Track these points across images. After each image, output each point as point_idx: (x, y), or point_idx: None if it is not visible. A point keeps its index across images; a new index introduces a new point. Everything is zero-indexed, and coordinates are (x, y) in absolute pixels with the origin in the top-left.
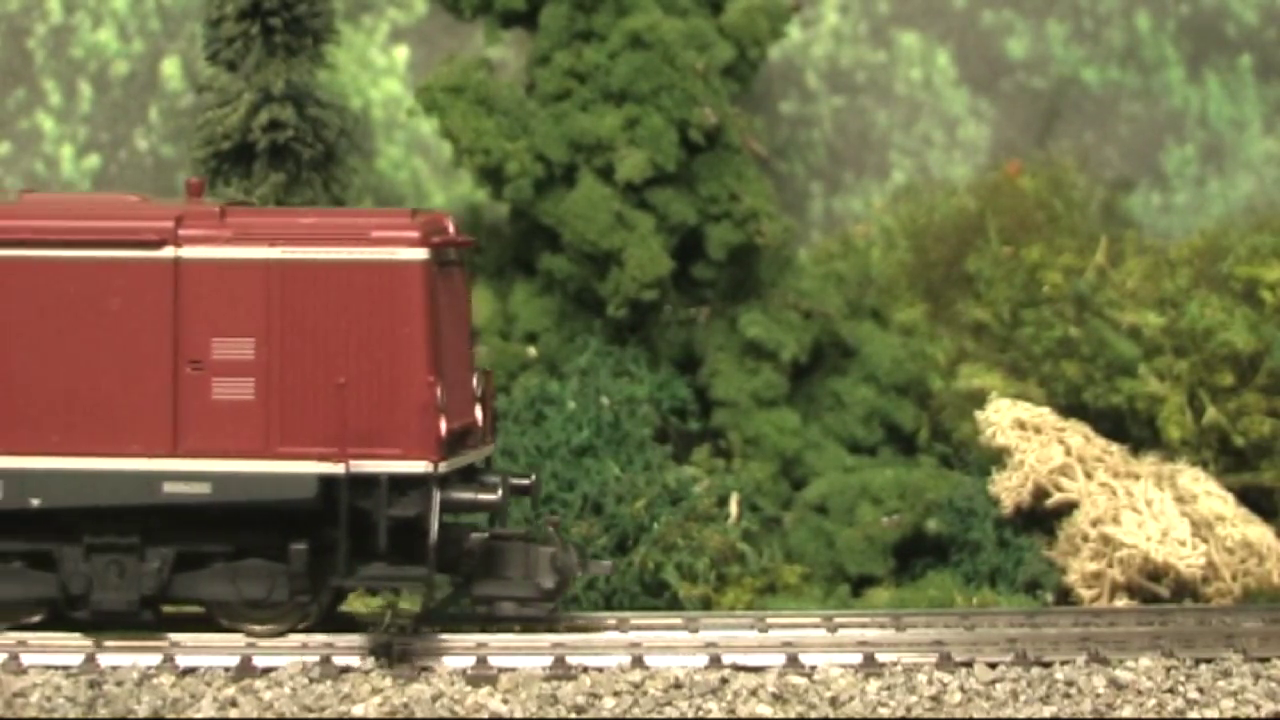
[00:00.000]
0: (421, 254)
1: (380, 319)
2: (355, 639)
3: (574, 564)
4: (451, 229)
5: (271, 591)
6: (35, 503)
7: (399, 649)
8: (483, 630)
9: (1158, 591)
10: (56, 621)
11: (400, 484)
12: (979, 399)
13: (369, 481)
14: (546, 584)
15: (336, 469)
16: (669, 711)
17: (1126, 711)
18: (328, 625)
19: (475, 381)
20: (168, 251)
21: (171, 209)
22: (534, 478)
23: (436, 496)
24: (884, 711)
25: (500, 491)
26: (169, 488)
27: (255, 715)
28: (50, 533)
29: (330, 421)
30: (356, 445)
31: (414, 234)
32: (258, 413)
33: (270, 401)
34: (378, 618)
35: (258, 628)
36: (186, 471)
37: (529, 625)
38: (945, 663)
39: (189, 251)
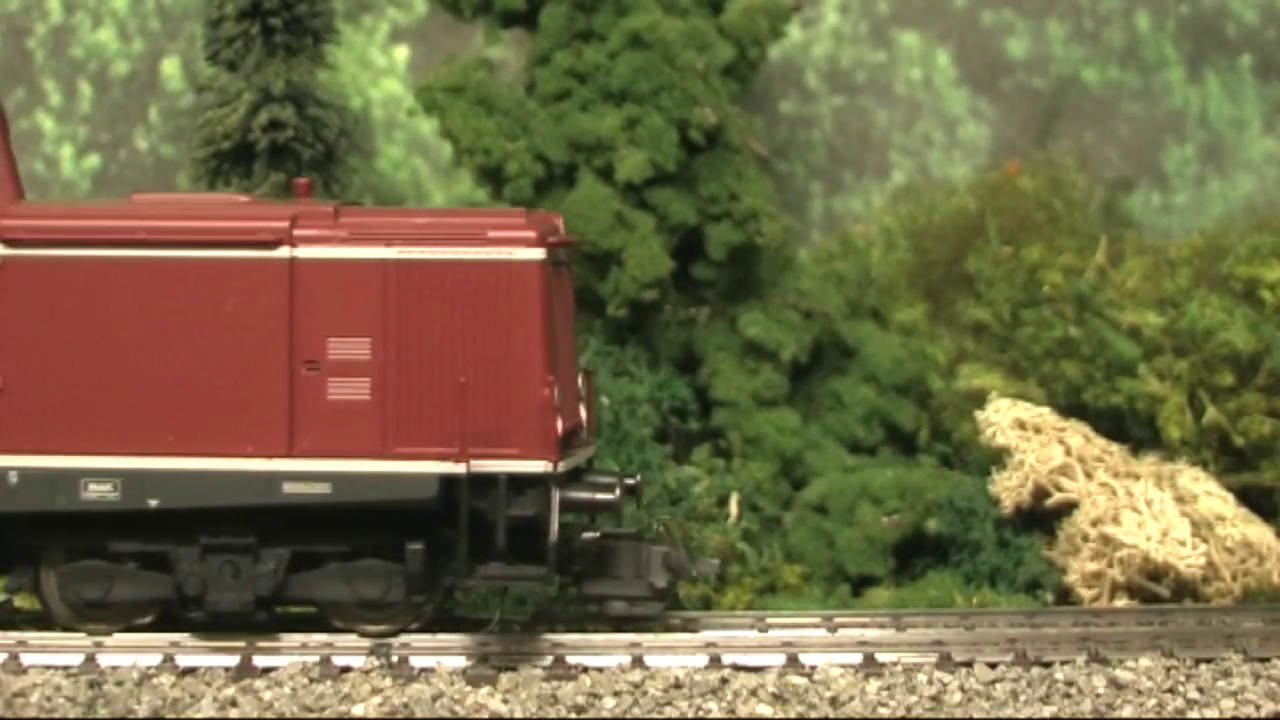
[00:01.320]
0: (538, 254)
1: (497, 318)
2: (355, 639)
3: (688, 563)
4: (561, 229)
5: (387, 592)
6: (153, 503)
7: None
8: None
9: (1158, 591)
10: (165, 622)
11: (517, 483)
12: (979, 399)
13: (486, 481)
14: (659, 583)
15: (458, 469)
16: (669, 711)
17: (1126, 711)
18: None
19: (580, 381)
20: (283, 252)
21: (285, 209)
22: (639, 477)
23: (556, 496)
24: (884, 711)
25: (618, 491)
26: (289, 488)
27: (255, 715)
28: (164, 533)
29: (449, 421)
30: (476, 445)
31: (531, 234)
32: (373, 413)
33: (386, 401)
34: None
35: (371, 628)
36: (306, 472)
37: (528, 626)
38: (945, 663)
39: (304, 251)
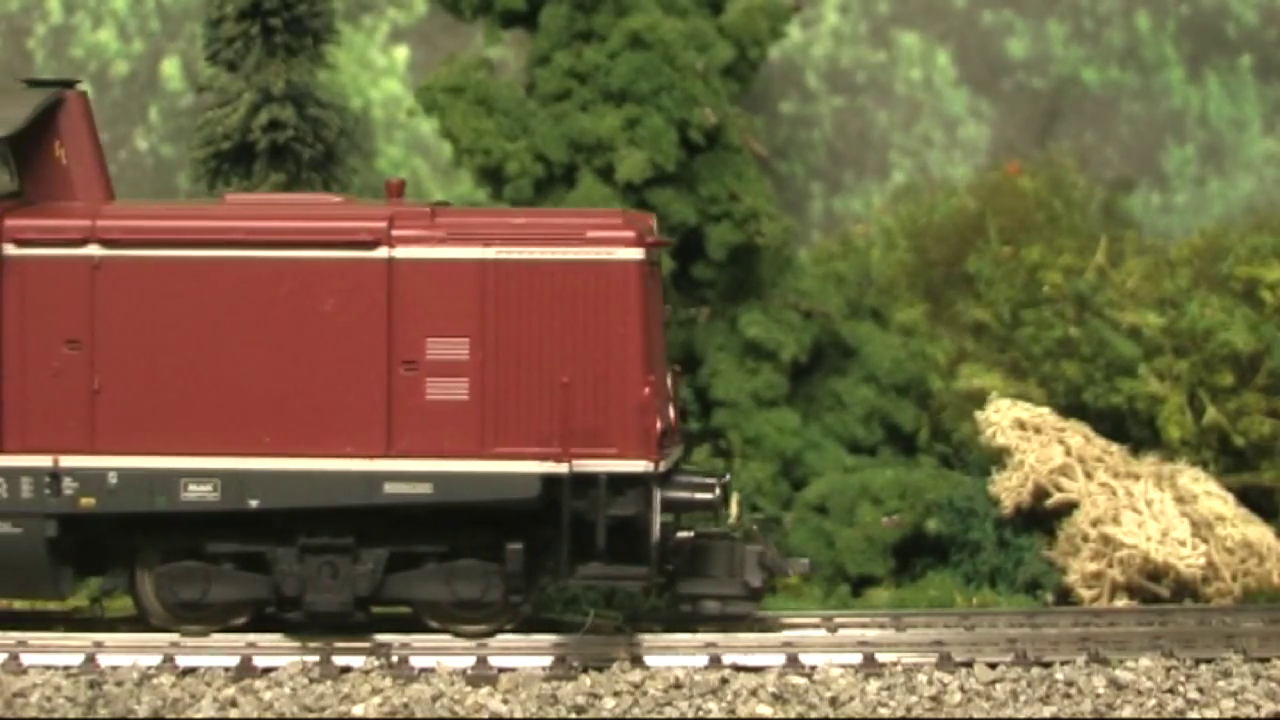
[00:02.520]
0: (637, 254)
1: (596, 318)
2: (355, 639)
3: (784, 562)
4: (655, 229)
5: (485, 592)
6: (253, 504)
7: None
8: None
9: (1158, 591)
10: (258, 623)
11: (616, 483)
12: (979, 399)
13: (586, 481)
14: (754, 582)
15: (560, 469)
16: (669, 711)
17: (1126, 711)
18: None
19: (669, 380)
20: (381, 252)
21: (382, 209)
22: (728, 477)
23: (658, 496)
24: (884, 711)
25: (718, 490)
26: (390, 488)
27: (255, 715)
28: (262, 534)
29: (549, 421)
30: (577, 445)
31: (630, 234)
32: (472, 413)
33: (485, 401)
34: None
35: (468, 629)
36: (408, 472)
37: (529, 626)
38: (945, 663)
39: (403, 252)
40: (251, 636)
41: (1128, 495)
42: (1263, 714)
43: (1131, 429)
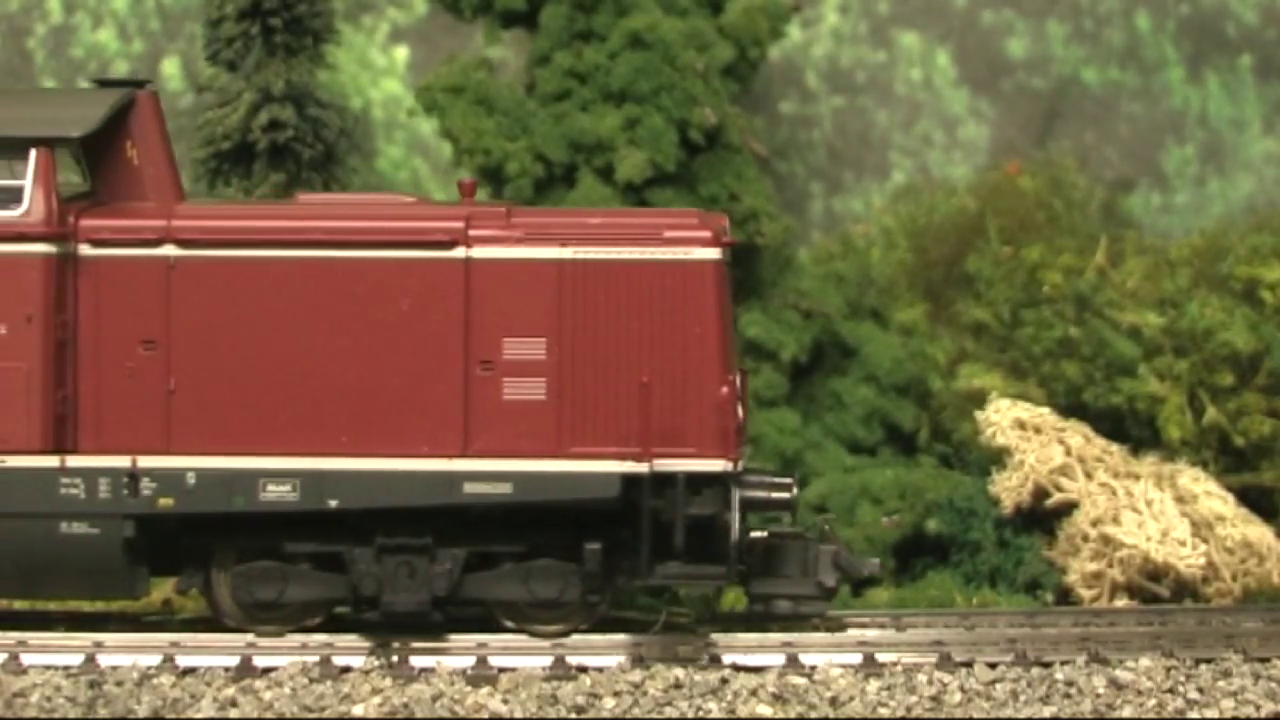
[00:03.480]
0: (715, 254)
1: (674, 318)
2: (355, 639)
3: (858, 562)
4: (728, 229)
5: (563, 592)
6: (333, 504)
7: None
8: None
9: (1158, 591)
10: (331, 623)
11: (694, 483)
12: (979, 399)
13: (664, 480)
14: (828, 582)
15: (640, 468)
16: (669, 711)
17: (1126, 711)
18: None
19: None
20: (459, 252)
21: (459, 209)
22: (795, 476)
23: (736, 495)
24: (884, 711)
25: (795, 490)
26: (470, 488)
27: (255, 715)
28: (339, 534)
29: (627, 421)
30: (656, 444)
31: (707, 234)
32: (549, 413)
33: (562, 401)
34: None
35: (544, 628)
36: (488, 471)
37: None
38: (945, 663)
39: (480, 251)
40: (251, 636)
41: (1128, 495)
42: (1263, 714)
43: (1131, 429)
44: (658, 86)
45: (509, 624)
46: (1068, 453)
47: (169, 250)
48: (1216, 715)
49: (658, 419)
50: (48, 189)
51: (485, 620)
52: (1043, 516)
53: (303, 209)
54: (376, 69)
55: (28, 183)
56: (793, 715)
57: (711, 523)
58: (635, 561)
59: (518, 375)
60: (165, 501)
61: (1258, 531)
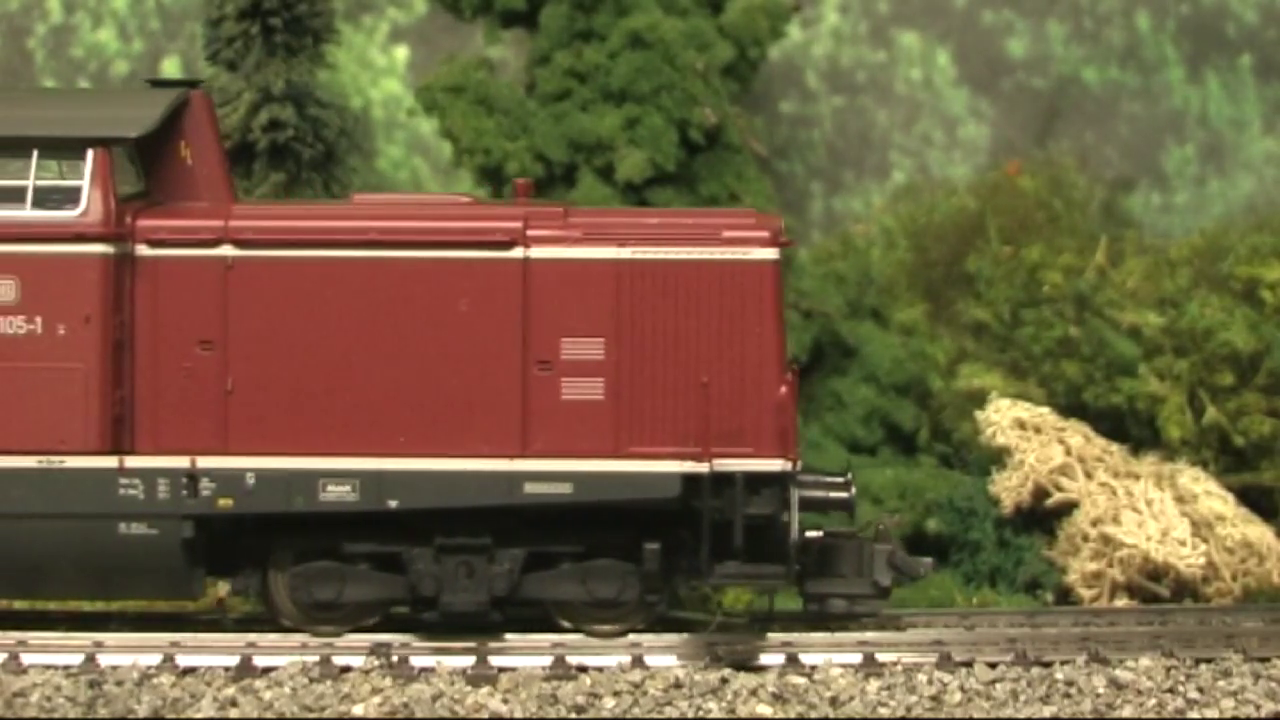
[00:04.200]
0: (772, 254)
1: (732, 318)
2: (355, 639)
3: (915, 562)
4: (783, 229)
5: (622, 591)
6: (393, 504)
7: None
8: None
9: (1158, 591)
10: (387, 623)
11: (752, 482)
12: (979, 399)
13: (723, 480)
14: (884, 581)
15: (700, 468)
16: (669, 711)
17: (1126, 711)
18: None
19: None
20: (517, 252)
21: (516, 209)
22: (850, 475)
23: (796, 495)
24: (884, 711)
25: (852, 489)
26: (530, 488)
27: (255, 715)
28: (398, 534)
29: (687, 421)
30: (715, 444)
31: (765, 234)
32: (607, 413)
33: (620, 401)
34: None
35: (602, 628)
36: (548, 471)
37: (530, 626)
38: (945, 663)
39: (538, 252)
40: (251, 636)
41: (1128, 495)
42: (1263, 714)
43: (1131, 429)
44: (658, 86)
45: (565, 624)
46: (1068, 452)
47: (227, 250)
48: (1216, 715)
49: (717, 419)
50: (105, 189)
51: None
52: (1043, 516)
53: (360, 209)
54: (376, 69)
55: (85, 183)
56: (793, 715)
57: (768, 522)
58: (693, 561)
59: (576, 375)
60: (224, 502)
61: (1258, 531)
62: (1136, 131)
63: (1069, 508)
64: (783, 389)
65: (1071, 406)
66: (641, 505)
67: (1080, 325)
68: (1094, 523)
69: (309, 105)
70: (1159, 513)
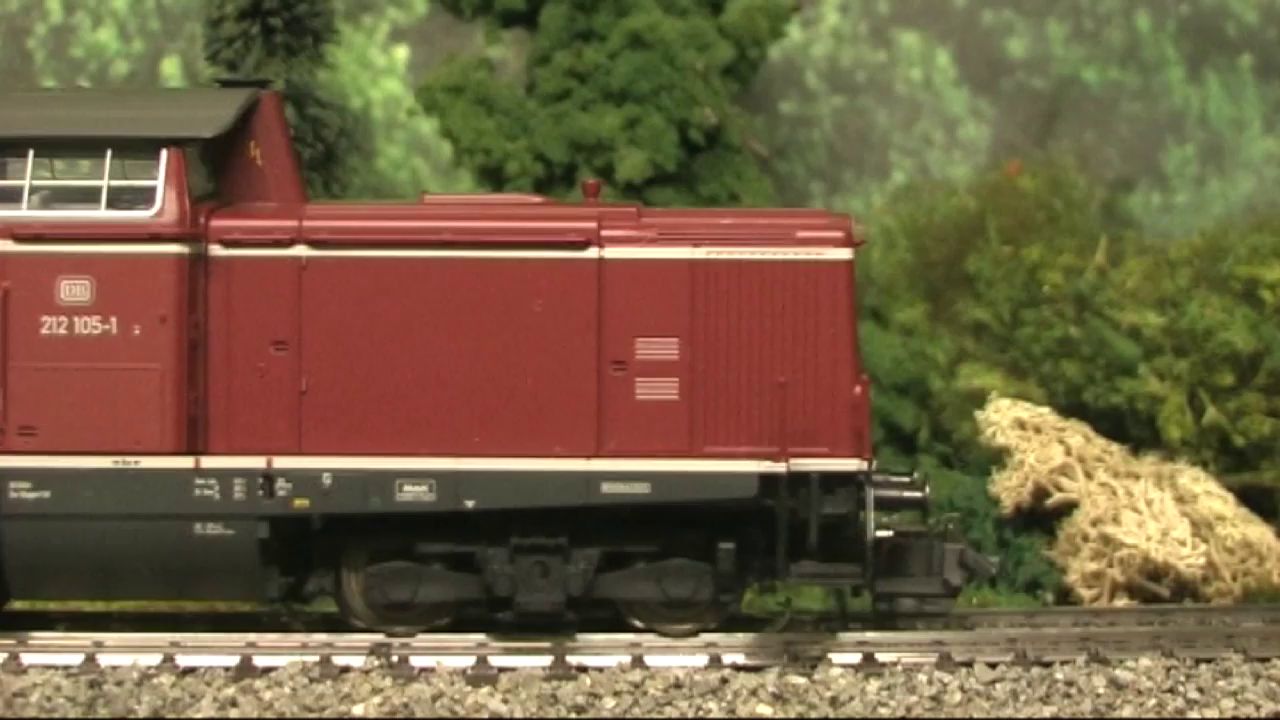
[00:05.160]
0: (846, 254)
1: (806, 318)
2: (355, 639)
3: (986, 561)
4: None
5: (696, 591)
6: (469, 504)
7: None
8: (484, 630)
9: (1158, 591)
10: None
11: (827, 482)
12: (979, 399)
13: (798, 480)
14: (955, 581)
15: (778, 468)
16: (669, 711)
17: (1126, 711)
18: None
19: None
20: (592, 252)
21: (589, 209)
22: (924, 475)
23: (871, 494)
24: (884, 711)
25: (926, 489)
26: (608, 488)
27: (255, 715)
28: (473, 534)
29: (762, 420)
30: (791, 444)
31: (839, 234)
32: (681, 412)
33: (695, 401)
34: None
35: (675, 627)
36: (626, 471)
37: (530, 626)
38: (945, 663)
39: (612, 252)
40: (251, 636)
41: (1128, 495)
42: (1263, 714)
43: (1131, 429)
44: (658, 86)
45: (637, 623)
46: (1068, 452)
47: (301, 251)
48: (1216, 715)
49: (792, 418)
50: (180, 189)
51: (484, 621)
52: (1043, 516)
53: (433, 209)
54: (376, 69)
55: (160, 183)
56: (793, 715)
57: (843, 522)
58: (766, 561)
59: (650, 375)
60: (301, 502)
61: (1258, 531)
62: (1136, 131)
63: (1069, 508)
64: (857, 389)
65: (1071, 406)
66: (716, 505)
67: (1080, 325)
68: (1094, 523)
69: (309, 105)
70: (1159, 513)
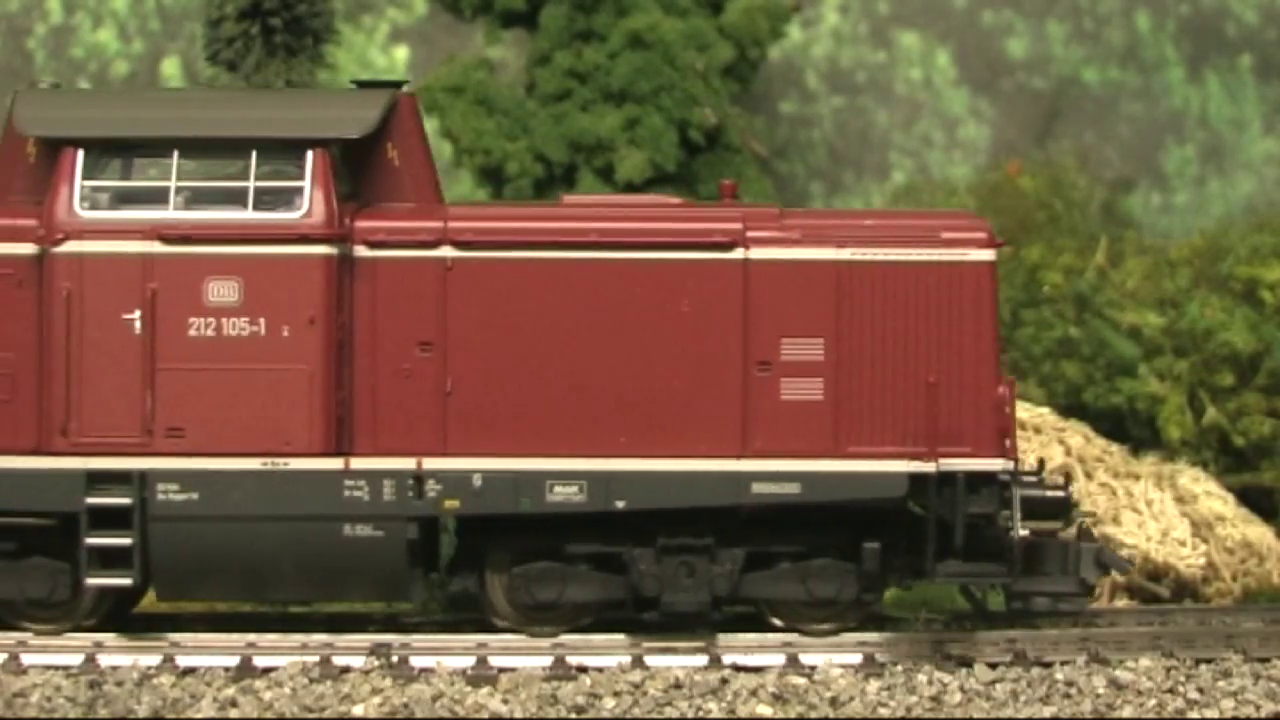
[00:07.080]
0: (990, 255)
1: (951, 319)
2: (355, 639)
3: (1122, 559)
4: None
5: (841, 591)
6: (620, 505)
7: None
8: (482, 630)
9: (1158, 591)
10: (599, 624)
11: (972, 482)
12: None
13: (943, 480)
14: (1091, 579)
15: (927, 468)
16: (669, 711)
17: (1126, 711)
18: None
19: None
20: (737, 253)
21: (732, 210)
22: (1068, 475)
23: (1017, 494)
24: (884, 711)
25: (1070, 489)
26: (758, 488)
27: (255, 715)
28: (619, 535)
29: (907, 420)
30: (940, 444)
31: (982, 235)
32: (826, 413)
33: (840, 401)
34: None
35: (817, 627)
36: (776, 471)
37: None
38: (945, 663)
39: (758, 253)
40: (251, 636)
41: (1128, 495)
42: (1263, 714)
43: (1131, 429)
44: (658, 86)
45: (777, 622)
46: (1068, 453)
47: (446, 252)
48: (1216, 715)
49: (938, 418)
50: (327, 190)
51: (483, 621)
52: None
53: (576, 210)
54: (376, 69)
55: (306, 184)
56: (793, 715)
57: (987, 521)
58: (909, 560)
59: (795, 375)
60: (451, 503)
61: (1258, 531)
62: (1136, 131)
63: None
64: (1001, 389)
65: (1071, 407)
66: (863, 505)
67: (1080, 325)
68: (1094, 523)
69: None
70: (1159, 513)
